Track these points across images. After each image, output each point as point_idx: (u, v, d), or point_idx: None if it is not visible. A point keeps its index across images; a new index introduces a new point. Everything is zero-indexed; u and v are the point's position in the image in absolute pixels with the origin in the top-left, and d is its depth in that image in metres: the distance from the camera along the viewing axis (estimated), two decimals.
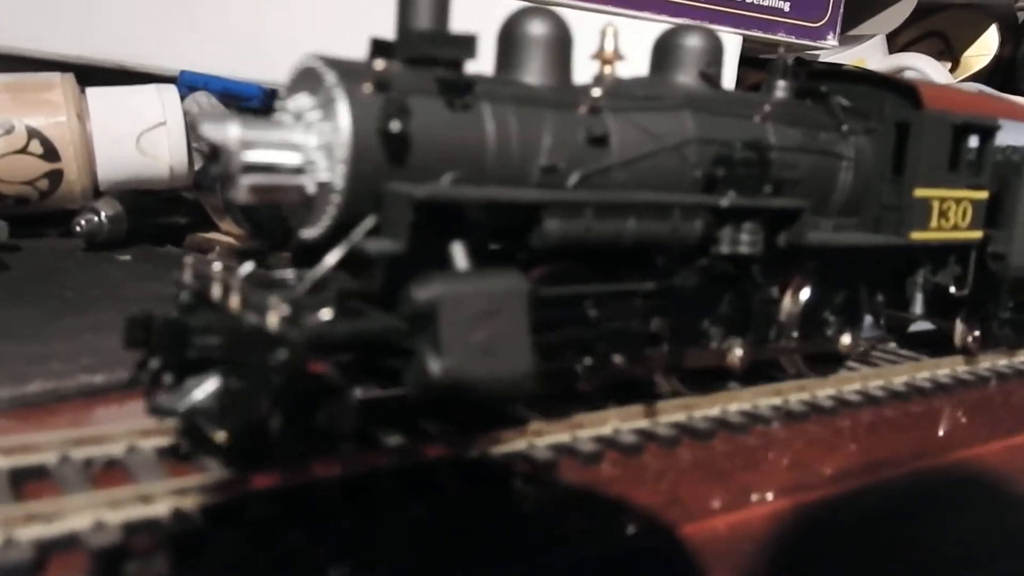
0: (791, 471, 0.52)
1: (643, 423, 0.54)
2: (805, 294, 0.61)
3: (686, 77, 0.58)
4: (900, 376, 0.67)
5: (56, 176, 0.88)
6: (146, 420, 0.46)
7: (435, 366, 0.42)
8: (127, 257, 0.90)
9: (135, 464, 0.45)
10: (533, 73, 0.52)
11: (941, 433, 0.61)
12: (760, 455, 0.54)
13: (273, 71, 1.06)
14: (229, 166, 0.44)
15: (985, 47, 1.59)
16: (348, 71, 0.45)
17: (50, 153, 0.87)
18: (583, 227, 0.48)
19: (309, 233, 0.47)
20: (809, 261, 0.60)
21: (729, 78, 1.20)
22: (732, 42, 1.22)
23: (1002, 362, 0.74)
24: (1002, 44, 1.58)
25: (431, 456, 0.47)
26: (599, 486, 0.48)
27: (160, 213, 0.97)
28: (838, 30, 1.26)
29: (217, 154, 0.44)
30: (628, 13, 1.16)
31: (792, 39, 1.25)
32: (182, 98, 0.96)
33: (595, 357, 0.51)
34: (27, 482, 0.43)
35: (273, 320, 0.41)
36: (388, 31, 0.50)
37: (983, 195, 0.67)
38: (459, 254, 0.46)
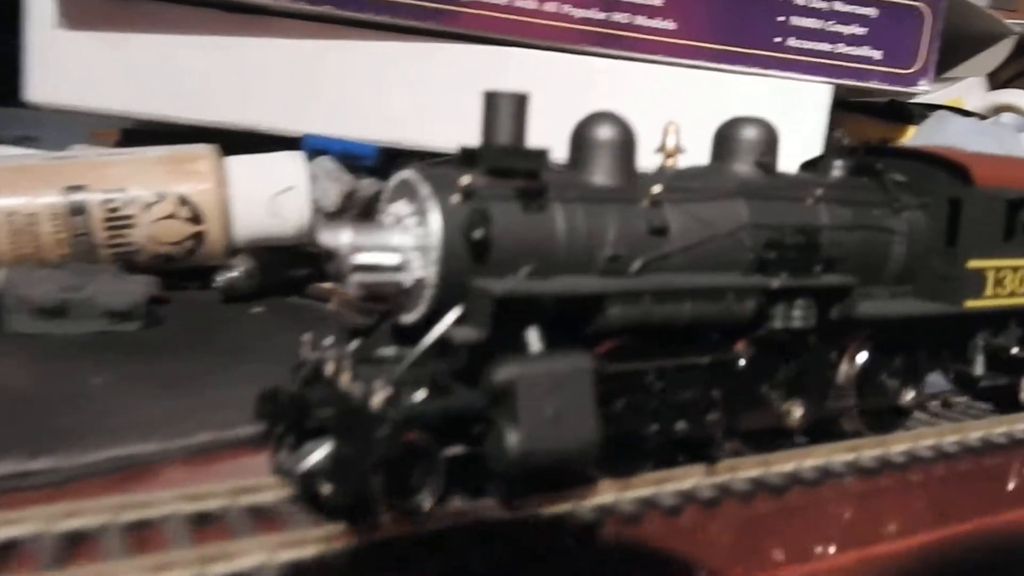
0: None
1: (691, 481, 0.60)
2: (862, 358, 0.66)
3: (742, 165, 0.64)
4: (967, 432, 0.71)
5: (200, 237, 1.00)
6: None
7: (512, 438, 0.50)
8: (261, 309, 1.01)
9: (286, 511, 0.54)
10: (601, 171, 0.59)
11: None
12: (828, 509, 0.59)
13: (388, 132, 1.18)
14: (341, 266, 0.53)
15: None
16: (439, 183, 0.54)
17: (195, 217, 0.99)
18: (641, 312, 0.55)
19: (407, 318, 0.56)
20: (863, 329, 0.65)
21: (819, 129, 1.24)
22: (822, 92, 1.26)
23: None
24: None
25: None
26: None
27: (287, 266, 1.09)
28: (932, 75, 1.28)
29: (331, 256, 0.53)
30: (727, 68, 1.22)
31: (885, 86, 1.28)
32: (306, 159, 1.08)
33: (659, 423, 0.58)
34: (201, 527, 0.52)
35: (377, 400, 0.50)
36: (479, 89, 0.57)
37: None
38: (533, 338, 0.53)
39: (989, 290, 0.68)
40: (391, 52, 1.17)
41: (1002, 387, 0.76)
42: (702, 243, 0.60)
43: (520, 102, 0.57)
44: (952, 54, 1.32)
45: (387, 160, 1.18)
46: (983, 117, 1.36)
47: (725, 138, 0.65)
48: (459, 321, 0.53)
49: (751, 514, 0.59)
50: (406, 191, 0.55)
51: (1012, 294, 0.69)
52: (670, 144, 0.62)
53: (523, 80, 1.20)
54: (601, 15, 1.19)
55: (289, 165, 1.04)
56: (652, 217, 0.58)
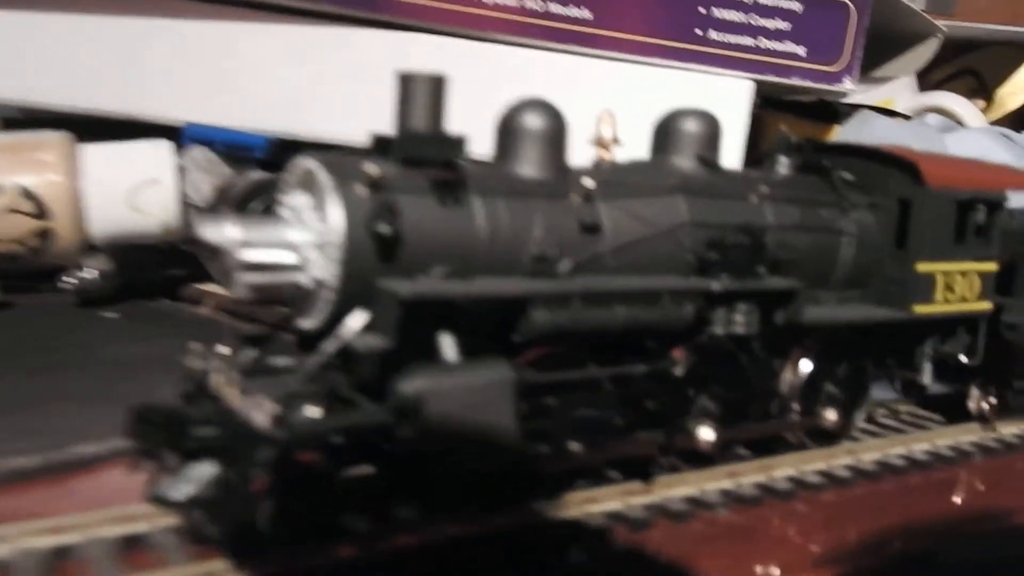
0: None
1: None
2: (806, 366, 0.65)
3: (683, 160, 0.63)
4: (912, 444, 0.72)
5: (47, 234, 0.94)
6: None
7: None
8: (114, 315, 0.95)
9: (160, 544, 0.50)
10: (528, 163, 0.57)
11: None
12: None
13: (280, 121, 1.13)
14: (227, 264, 0.49)
15: (1020, 84, 1.63)
16: (343, 172, 0.50)
17: (41, 212, 0.93)
18: (570, 317, 0.53)
19: (306, 324, 0.52)
20: (810, 335, 0.64)
21: (742, 125, 1.25)
22: (744, 87, 1.27)
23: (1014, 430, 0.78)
24: None
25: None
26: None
27: (154, 267, 1.03)
28: (857, 73, 1.31)
29: (214, 252, 0.49)
30: (642, 60, 1.21)
31: (808, 83, 1.29)
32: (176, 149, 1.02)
33: (585, 441, 0.56)
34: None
35: (261, 419, 0.46)
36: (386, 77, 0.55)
37: (992, 266, 0.71)
38: (446, 345, 0.51)
39: (939, 295, 0.68)
40: (285, 35, 1.13)
41: (949, 396, 0.76)
42: (638, 242, 0.58)
43: (437, 85, 0.54)
44: (879, 52, 1.35)
45: (280, 152, 1.14)
46: (907, 117, 1.40)
47: (665, 131, 0.64)
48: (364, 327, 0.50)
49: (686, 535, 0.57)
50: (305, 181, 0.52)
51: (962, 299, 0.70)
52: (605, 135, 0.60)
53: (429, 68, 1.18)
54: (516, 3, 1.17)
55: (152, 155, 0.99)
56: (583, 214, 0.56)
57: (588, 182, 0.56)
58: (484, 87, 1.17)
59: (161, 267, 1.04)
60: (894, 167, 0.69)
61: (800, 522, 0.61)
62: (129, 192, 0.97)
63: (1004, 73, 1.66)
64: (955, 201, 0.69)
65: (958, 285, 0.69)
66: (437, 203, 0.52)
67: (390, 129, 0.55)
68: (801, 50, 1.29)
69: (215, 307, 1.01)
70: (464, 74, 1.15)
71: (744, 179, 0.65)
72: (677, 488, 0.60)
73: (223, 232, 0.49)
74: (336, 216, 0.49)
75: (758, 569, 0.55)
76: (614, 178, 0.59)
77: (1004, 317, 0.74)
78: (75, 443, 0.60)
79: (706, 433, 0.60)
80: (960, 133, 1.23)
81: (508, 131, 0.58)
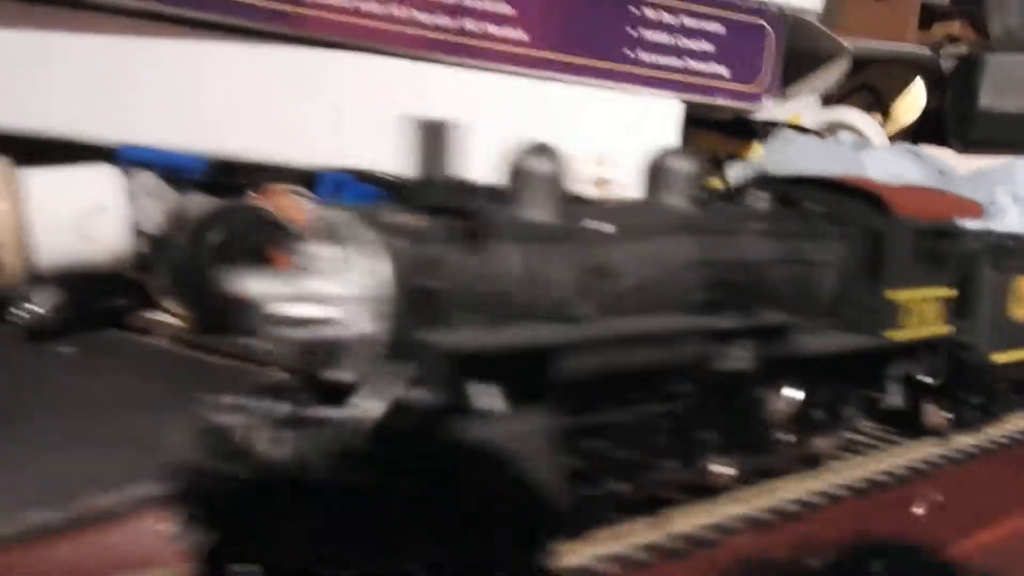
0: None
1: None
2: (793, 395, 0.67)
3: (676, 199, 0.63)
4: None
5: None
6: None
7: None
8: (71, 349, 0.90)
9: None
10: (538, 207, 0.56)
11: None
12: None
13: (218, 142, 1.09)
14: (264, 320, 0.47)
15: (914, 100, 1.70)
16: (379, 224, 0.49)
17: None
18: (600, 360, 0.53)
19: (337, 375, 0.50)
20: (795, 365, 0.66)
21: (673, 142, 1.27)
22: (673, 107, 1.29)
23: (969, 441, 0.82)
24: (929, 96, 1.70)
25: None
26: None
27: (100, 296, 0.98)
28: (775, 93, 1.34)
29: (248, 307, 0.47)
30: (578, 80, 1.22)
31: (732, 103, 1.32)
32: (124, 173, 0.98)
33: (612, 481, 0.56)
34: None
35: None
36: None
37: (949, 292, 0.74)
38: (488, 395, 0.50)
39: (908, 320, 0.71)
40: (224, 54, 1.09)
41: (906, 413, 0.78)
42: (649, 283, 0.58)
43: (454, 131, 0.53)
44: (792, 72, 1.38)
45: (217, 174, 1.10)
46: (819, 134, 1.44)
47: (658, 170, 0.64)
48: (407, 381, 0.48)
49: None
50: (331, 232, 0.50)
51: (925, 324, 0.72)
52: (603, 175, 0.60)
53: (357, 87, 1.16)
54: (451, 22, 1.16)
55: (101, 180, 0.94)
56: (600, 257, 0.56)
57: (607, 228, 0.56)
58: (414, 106, 1.16)
59: (108, 296, 0.99)
60: (862, 199, 0.71)
61: None
62: (77, 219, 0.92)
63: (898, 89, 1.73)
64: (919, 231, 0.71)
65: (922, 310, 0.72)
66: (468, 252, 0.51)
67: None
68: (724, 71, 1.31)
69: (168, 337, 0.98)
70: (393, 93, 1.15)
71: (735, 216, 0.66)
72: None
73: (257, 286, 0.47)
74: (379, 268, 0.48)
75: None
76: (621, 220, 0.59)
77: (957, 338, 0.77)
78: (92, 492, 0.56)
79: (722, 468, 0.61)
80: (874, 152, 1.28)
81: (515, 176, 0.57)
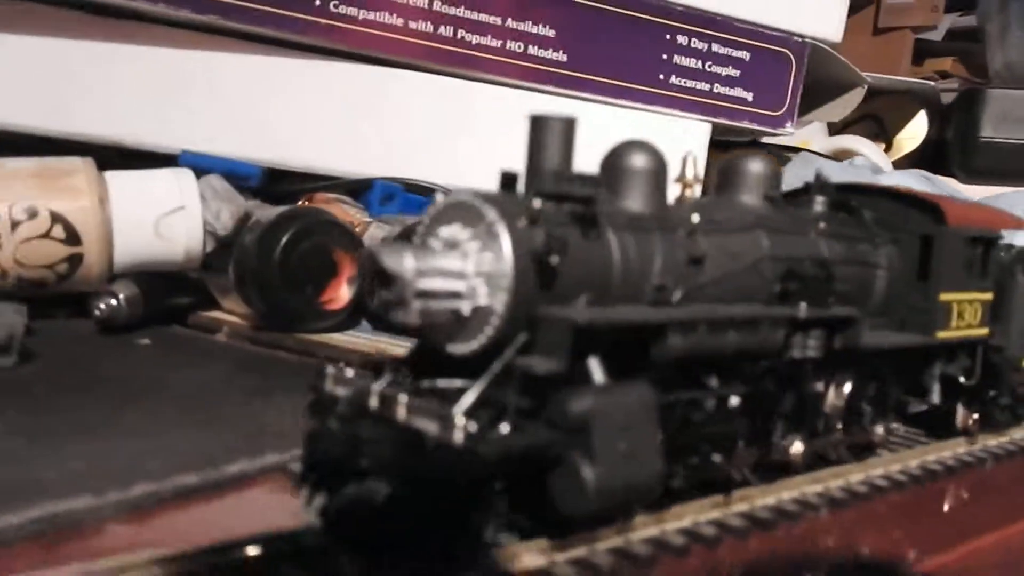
0: None
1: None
2: (847, 388, 0.71)
3: (750, 198, 0.68)
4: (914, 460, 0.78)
5: (76, 260, 0.92)
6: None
7: (589, 476, 0.50)
8: (147, 341, 0.94)
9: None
10: (636, 199, 0.61)
11: None
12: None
13: (271, 151, 1.13)
14: (404, 293, 0.51)
15: (916, 130, 1.77)
16: (504, 207, 0.53)
17: (72, 237, 0.91)
18: (697, 341, 0.57)
19: (460, 349, 0.54)
20: (853, 359, 0.70)
21: (702, 163, 1.33)
22: (702, 129, 1.35)
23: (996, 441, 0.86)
24: (931, 127, 1.77)
25: None
26: None
27: (169, 294, 1.02)
28: (795, 118, 1.40)
29: (391, 281, 0.51)
30: (613, 102, 1.27)
31: (755, 126, 1.38)
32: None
33: (699, 456, 0.60)
34: None
35: (459, 436, 0.48)
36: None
37: (989, 296, 0.79)
38: (596, 369, 0.54)
39: (954, 322, 0.75)
40: (278, 67, 1.14)
41: (940, 413, 0.83)
42: (730, 273, 0.62)
43: (570, 126, 0.57)
44: (810, 99, 1.45)
45: (270, 181, 1.14)
46: (834, 158, 1.50)
47: (732, 171, 0.68)
48: (525, 351, 0.52)
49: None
50: (462, 213, 0.54)
51: (969, 325, 0.77)
52: (689, 174, 0.65)
53: (407, 102, 1.21)
54: (495, 43, 1.21)
55: (178, 183, 0.98)
56: (690, 247, 0.61)
57: (695, 218, 0.61)
58: (456, 122, 1.21)
59: (176, 294, 1.03)
60: (915, 207, 0.76)
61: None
62: (156, 219, 0.96)
63: (902, 119, 1.80)
64: (967, 238, 0.76)
65: (967, 313, 0.77)
66: (581, 236, 0.55)
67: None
68: (749, 96, 1.38)
69: (230, 335, 1.01)
70: (435, 108, 1.20)
71: (802, 217, 0.70)
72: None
73: (402, 261, 0.51)
74: (506, 247, 0.52)
75: None
76: (706, 215, 0.63)
77: (991, 341, 0.82)
78: (224, 461, 0.60)
79: (796, 447, 0.65)
80: (890, 175, 1.34)
81: (616, 169, 0.61)
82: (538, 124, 0.58)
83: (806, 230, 0.69)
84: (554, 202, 0.56)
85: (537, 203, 0.53)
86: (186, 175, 0.98)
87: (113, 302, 0.93)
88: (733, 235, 0.64)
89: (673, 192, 0.67)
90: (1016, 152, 1.67)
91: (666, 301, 0.59)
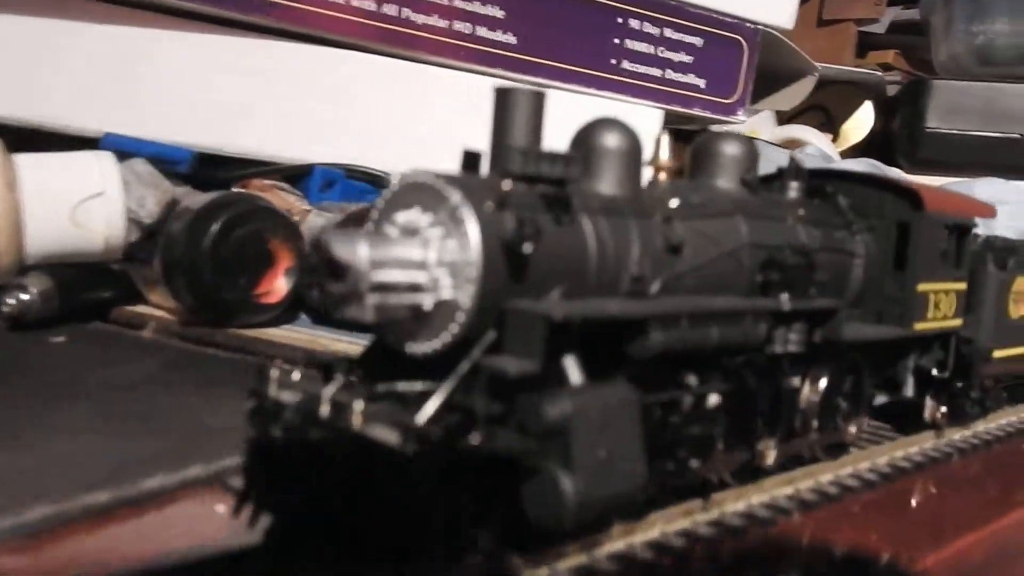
0: None
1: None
2: (823, 383, 0.67)
3: (726, 182, 0.63)
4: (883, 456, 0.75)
5: None
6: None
7: (568, 485, 0.45)
8: (62, 339, 0.86)
9: None
10: (609, 182, 0.55)
11: None
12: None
13: (204, 135, 1.06)
14: (358, 286, 0.45)
15: (862, 120, 1.76)
16: (470, 189, 0.47)
17: None
18: (679, 337, 0.52)
19: (422, 348, 0.48)
20: (829, 352, 0.66)
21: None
22: (654, 116, 1.30)
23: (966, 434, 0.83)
24: (877, 118, 1.76)
25: None
26: None
27: (88, 288, 0.94)
28: (747, 106, 1.36)
29: (342, 272, 0.45)
30: (563, 86, 1.22)
31: (708, 114, 1.34)
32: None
33: (676, 462, 0.54)
34: None
35: (415, 446, 0.42)
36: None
37: (963, 286, 0.76)
38: (572, 369, 0.48)
39: (931, 312, 0.72)
40: (212, 46, 1.06)
41: (907, 407, 0.79)
42: (709, 262, 0.58)
43: (539, 100, 0.52)
44: (761, 87, 1.41)
45: (202, 166, 1.06)
46: (778, 147, 1.47)
47: (706, 152, 0.64)
48: (494, 350, 0.47)
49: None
50: (420, 197, 0.48)
51: (944, 316, 0.73)
52: (663, 158, 0.60)
53: (349, 85, 1.14)
54: (442, 23, 1.15)
55: (97, 167, 0.90)
56: (668, 233, 0.56)
57: (673, 203, 0.56)
58: (407, 105, 1.15)
59: (96, 287, 0.94)
60: (892, 193, 0.72)
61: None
62: (72, 206, 0.88)
63: (847, 109, 1.78)
64: (945, 225, 0.72)
65: (943, 303, 0.73)
66: (553, 222, 0.50)
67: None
68: (702, 82, 1.33)
69: (156, 331, 0.94)
70: (385, 90, 1.14)
71: (779, 202, 0.66)
72: None
73: (355, 250, 0.45)
74: (472, 234, 0.46)
75: None
76: (682, 198, 0.58)
77: (961, 332, 0.79)
78: (142, 474, 0.53)
79: (771, 450, 0.60)
80: (840, 164, 1.31)
81: (586, 149, 0.56)
82: (504, 97, 0.52)
83: (784, 216, 0.64)
84: (523, 183, 0.50)
85: (507, 184, 0.47)
86: (106, 158, 0.90)
87: (24, 296, 0.85)
88: (710, 221, 0.59)
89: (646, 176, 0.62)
90: (961, 143, 1.67)
91: (644, 292, 0.54)
